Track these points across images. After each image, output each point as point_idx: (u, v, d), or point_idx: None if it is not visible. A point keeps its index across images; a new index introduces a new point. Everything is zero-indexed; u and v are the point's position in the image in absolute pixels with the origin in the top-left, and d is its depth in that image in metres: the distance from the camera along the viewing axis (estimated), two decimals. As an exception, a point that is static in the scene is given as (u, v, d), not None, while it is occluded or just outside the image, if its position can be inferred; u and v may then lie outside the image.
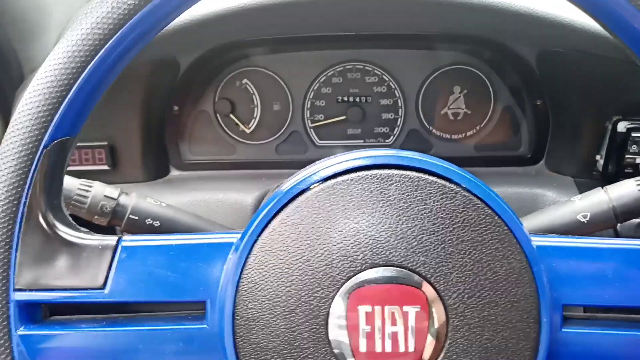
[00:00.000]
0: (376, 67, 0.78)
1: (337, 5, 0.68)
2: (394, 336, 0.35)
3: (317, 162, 0.39)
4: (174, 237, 0.40)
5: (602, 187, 0.52)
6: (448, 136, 0.81)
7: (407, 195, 0.36)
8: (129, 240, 0.39)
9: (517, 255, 0.36)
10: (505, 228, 0.36)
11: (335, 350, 0.36)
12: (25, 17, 0.73)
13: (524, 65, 0.72)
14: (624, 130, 0.70)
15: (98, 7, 0.37)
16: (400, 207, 0.36)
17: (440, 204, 0.36)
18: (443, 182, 0.36)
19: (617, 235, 0.73)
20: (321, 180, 0.37)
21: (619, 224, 0.74)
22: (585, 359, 0.38)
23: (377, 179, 0.36)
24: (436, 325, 0.35)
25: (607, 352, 0.38)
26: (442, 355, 0.35)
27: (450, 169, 0.36)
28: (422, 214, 0.36)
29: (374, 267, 0.35)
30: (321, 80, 0.79)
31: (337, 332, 0.35)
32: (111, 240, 0.39)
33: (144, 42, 0.39)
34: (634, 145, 0.70)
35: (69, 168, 0.77)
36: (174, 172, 0.82)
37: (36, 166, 0.37)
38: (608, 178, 0.72)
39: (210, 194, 0.76)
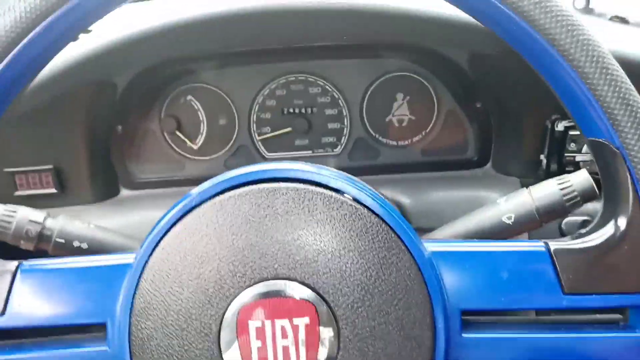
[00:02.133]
0: (318, 78, 0.79)
1: (277, 19, 0.68)
2: (285, 350, 0.35)
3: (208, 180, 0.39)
4: (73, 259, 0.40)
5: (527, 188, 0.52)
6: (395, 143, 0.81)
7: (294, 208, 0.36)
8: (28, 264, 0.39)
9: (406, 262, 0.36)
10: (393, 235, 0.36)
11: (229, 367, 0.35)
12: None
13: (458, 70, 0.73)
14: (562, 129, 0.71)
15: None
16: (287, 219, 0.36)
17: (327, 215, 0.36)
18: (329, 192, 0.36)
19: (561, 233, 0.73)
20: (208, 197, 0.37)
21: (564, 222, 0.75)
22: (488, 362, 0.38)
23: (265, 192, 0.36)
24: (327, 337, 0.35)
25: (509, 355, 0.38)
26: (335, 366, 0.35)
27: (336, 179, 0.37)
28: (308, 226, 0.36)
29: (262, 282, 0.35)
30: (265, 93, 0.79)
31: (229, 349, 0.35)
32: (11, 265, 0.39)
33: (34, 70, 0.39)
34: (573, 143, 0.71)
35: (18, 193, 0.78)
36: (125, 192, 0.82)
37: None
38: (551, 177, 0.72)
39: (162, 212, 0.76)
